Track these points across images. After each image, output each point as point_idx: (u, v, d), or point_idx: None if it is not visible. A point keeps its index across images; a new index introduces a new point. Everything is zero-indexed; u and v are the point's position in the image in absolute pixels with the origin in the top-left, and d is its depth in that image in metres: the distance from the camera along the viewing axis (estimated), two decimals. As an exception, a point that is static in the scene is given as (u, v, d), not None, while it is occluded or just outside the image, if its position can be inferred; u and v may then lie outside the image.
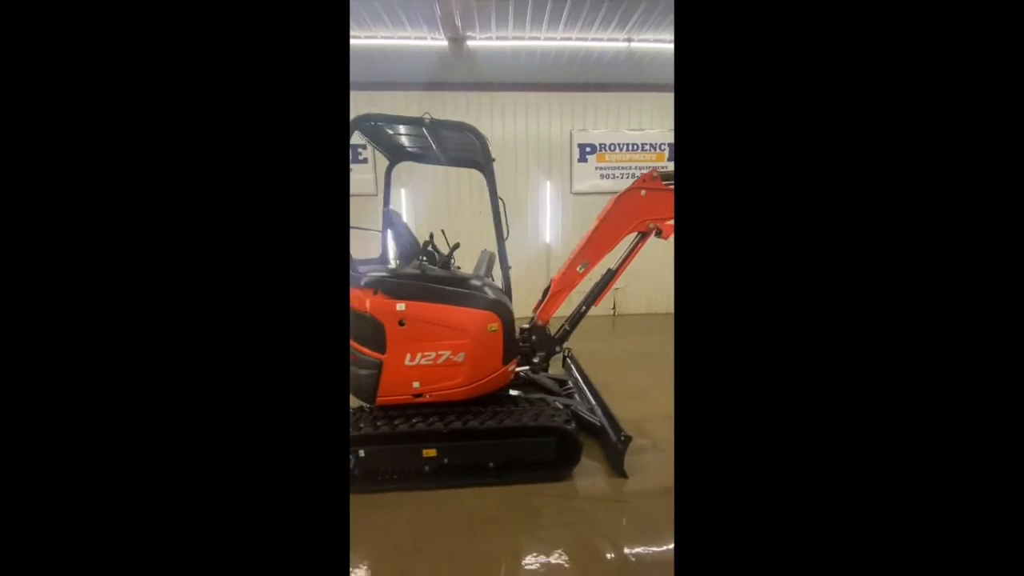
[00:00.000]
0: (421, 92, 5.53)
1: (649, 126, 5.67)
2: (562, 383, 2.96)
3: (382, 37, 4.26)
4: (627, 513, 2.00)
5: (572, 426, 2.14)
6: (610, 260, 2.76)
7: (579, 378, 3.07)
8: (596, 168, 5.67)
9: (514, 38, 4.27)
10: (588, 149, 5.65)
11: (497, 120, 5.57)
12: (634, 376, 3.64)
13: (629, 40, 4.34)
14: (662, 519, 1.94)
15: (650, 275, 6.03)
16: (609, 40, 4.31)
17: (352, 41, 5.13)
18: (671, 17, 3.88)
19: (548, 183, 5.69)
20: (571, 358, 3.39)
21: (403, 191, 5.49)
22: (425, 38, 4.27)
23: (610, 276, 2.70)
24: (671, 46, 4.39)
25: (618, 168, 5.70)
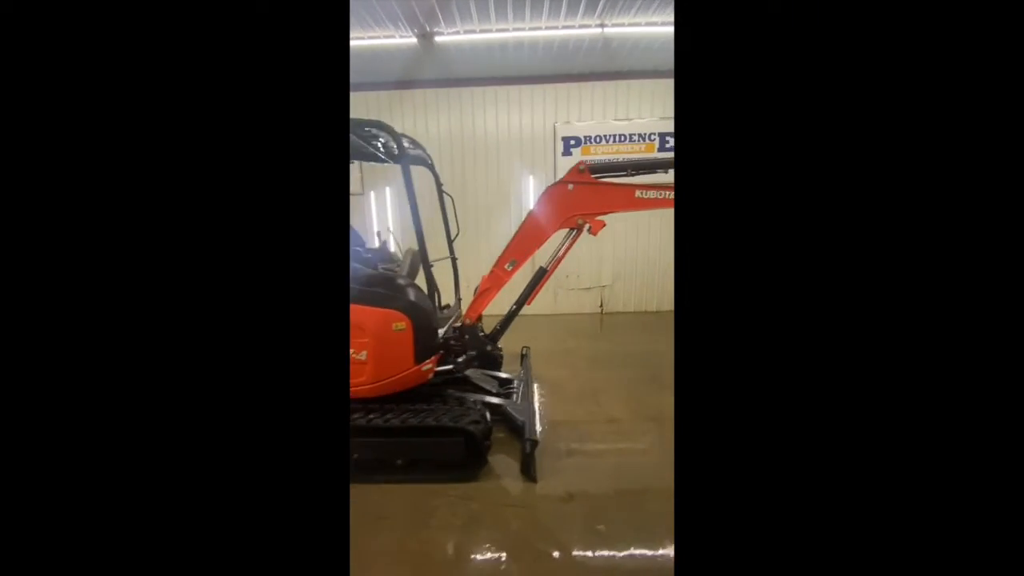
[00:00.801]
0: (392, 92, 5.61)
1: (637, 115, 5.41)
2: (505, 382, 2.92)
3: (354, 38, 4.35)
4: (517, 518, 1.95)
5: (480, 427, 2.11)
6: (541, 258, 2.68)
7: (529, 378, 3.02)
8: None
9: (482, 31, 4.21)
10: (572, 142, 5.48)
11: (479, 115, 5.53)
12: (595, 376, 3.53)
13: (602, 25, 4.16)
14: (550, 525, 1.88)
15: (638, 273, 5.81)
16: (581, 27, 4.15)
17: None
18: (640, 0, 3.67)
19: (531, 178, 5.60)
20: (526, 356, 3.34)
21: (388, 190, 5.62)
22: (393, 36, 4.32)
23: (541, 274, 2.62)
24: (648, 30, 4.15)
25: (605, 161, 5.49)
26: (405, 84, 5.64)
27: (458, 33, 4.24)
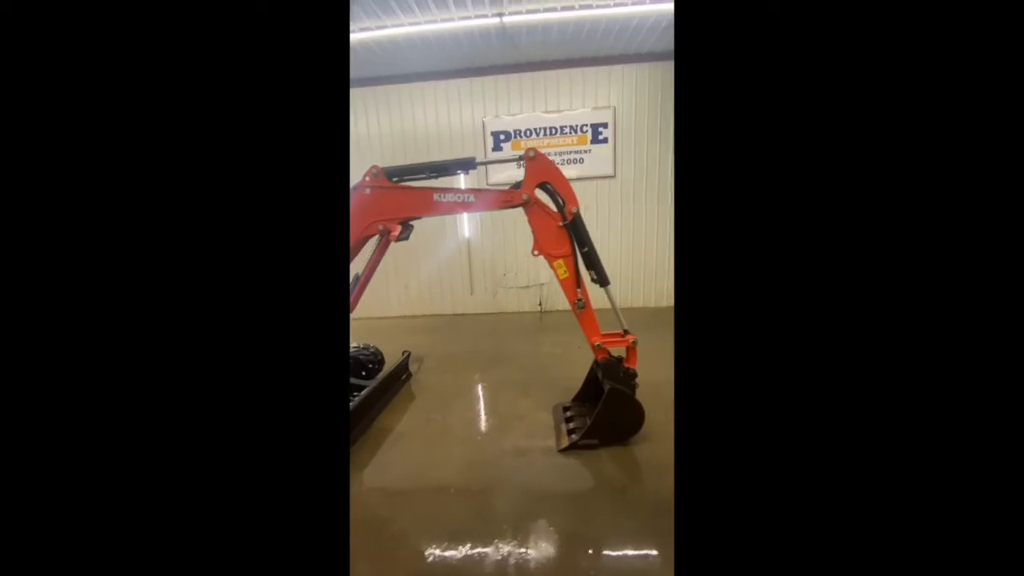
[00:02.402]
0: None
1: (569, 106, 5.14)
2: (359, 388, 2.93)
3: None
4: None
5: None
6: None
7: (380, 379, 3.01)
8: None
9: (394, 25, 4.14)
10: (502, 137, 5.31)
11: (407, 112, 5.41)
12: (478, 377, 3.43)
13: (500, 15, 3.96)
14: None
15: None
16: (477, 17, 3.98)
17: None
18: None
19: (462, 176, 5.50)
20: (404, 359, 3.34)
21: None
22: None
23: (355, 281, 2.58)
24: (582, 13, 3.87)
25: (537, 155, 5.28)
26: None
27: (370, 29, 4.21)
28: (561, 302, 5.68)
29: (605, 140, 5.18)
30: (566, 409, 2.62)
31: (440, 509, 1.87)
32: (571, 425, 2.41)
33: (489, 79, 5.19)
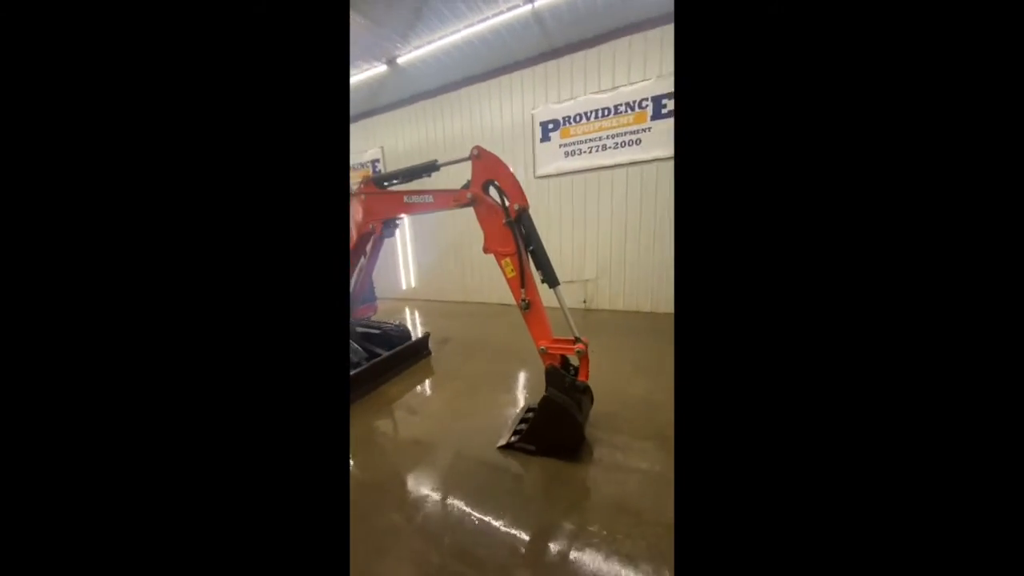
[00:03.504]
0: (363, 121, 6.29)
1: (626, 80, 4.60)
2: (374, 356, 3.49)
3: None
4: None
5: None
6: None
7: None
8: (560, 146, 5.13)
9: (439, 39, 4.52)
10: (551, 126, 5.15)
11: (456, 120, 5.79)
12: (488, 368, 3.57)
13: (531, 1, 3.85)
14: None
15: (629, 267, 5.02)
16: (510, 10, 3.96)
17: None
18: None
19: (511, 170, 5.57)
20: (424, 338, 3.82)
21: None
22: (367, 69, 5.13)
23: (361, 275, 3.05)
24: None
25: (586, 141, 4.94)
26: (371, 112, 6.31)
27: (414, 49, 4.71)
28: (608, 301, 5.24)
29: (671, 113, 4.45)
30: (530, 409, 2.55)
31: (398, 456, 2.15)
32: (520, 425, 2.36)
33: (529, 70, 5.06)
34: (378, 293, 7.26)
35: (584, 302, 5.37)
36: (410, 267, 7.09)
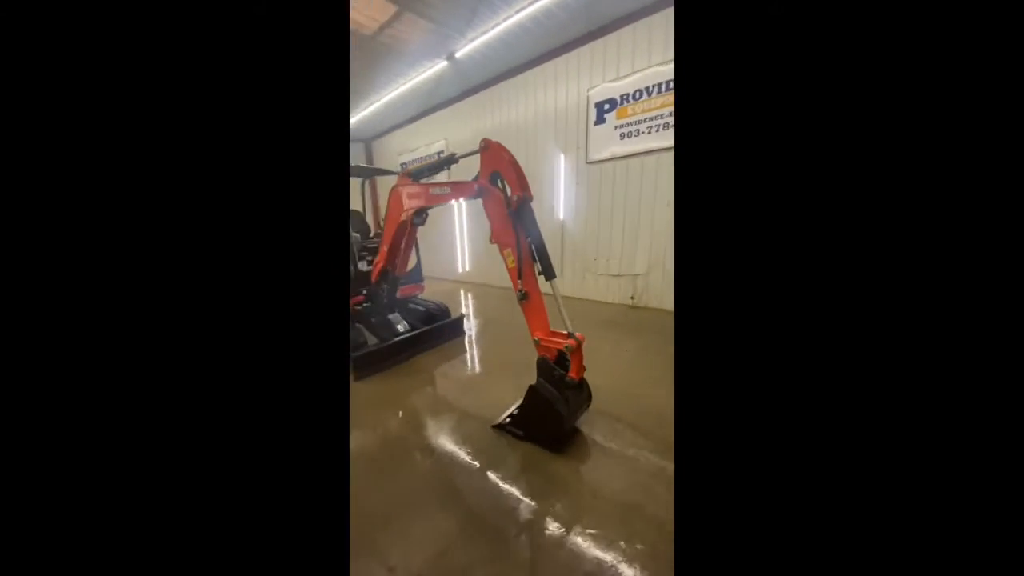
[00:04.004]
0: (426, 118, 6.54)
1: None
2: (413, 328, 3.91)
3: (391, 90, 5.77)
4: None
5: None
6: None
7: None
8: (616, 128, 4.79)
9: (493, 26, 4.57)
10: (607, 106, 4.83)
11: (512, 108, 5.80)
12: (500, 350, 3.69)
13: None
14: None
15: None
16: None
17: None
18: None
19: (563, 156, 5.41)
20: (459, 318, 4.15)
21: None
22: (428, 68, 5.41)
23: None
24: None
25: (645, 120, 4.53)
26: (432, 109, 6.53)
27: (471, 41, 4.83)
28: (657, 299, 4.83)
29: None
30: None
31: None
32: (515, 410, 2.44)
33: (588, 47, 4.77)
34: (439, 274, 7.89)
35: (632, 298, 5.05)
36: (465, 251, 7.49)
